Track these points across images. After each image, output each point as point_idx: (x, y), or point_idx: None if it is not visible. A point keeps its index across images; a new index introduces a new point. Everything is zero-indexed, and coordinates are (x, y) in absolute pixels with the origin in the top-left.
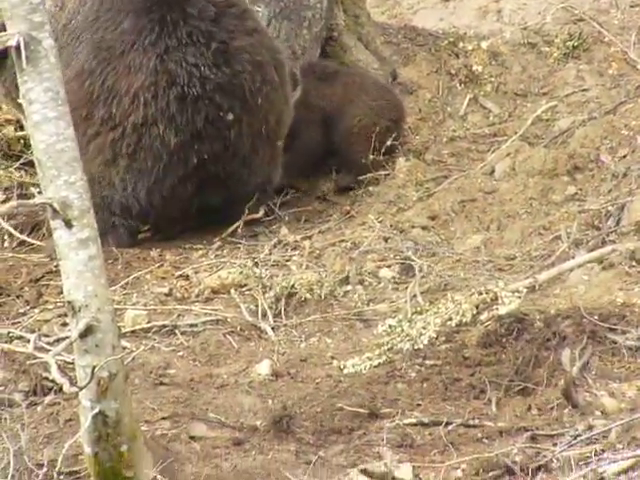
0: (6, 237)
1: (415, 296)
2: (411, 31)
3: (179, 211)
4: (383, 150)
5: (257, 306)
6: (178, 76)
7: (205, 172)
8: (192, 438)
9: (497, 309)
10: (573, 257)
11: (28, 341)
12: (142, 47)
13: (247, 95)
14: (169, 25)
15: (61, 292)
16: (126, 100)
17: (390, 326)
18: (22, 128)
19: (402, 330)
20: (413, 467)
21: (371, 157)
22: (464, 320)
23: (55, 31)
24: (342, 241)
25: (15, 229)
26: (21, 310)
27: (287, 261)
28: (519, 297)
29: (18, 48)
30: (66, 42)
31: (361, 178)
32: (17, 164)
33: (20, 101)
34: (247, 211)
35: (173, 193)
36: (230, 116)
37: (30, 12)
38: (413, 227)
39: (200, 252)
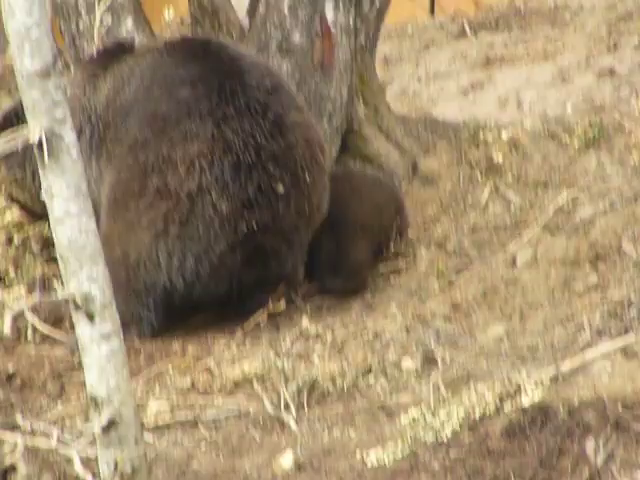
0: (29, 331)
1: (438, 387)
2: (431, 122)
3: (224, 284)
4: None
5: (279, 398)
6: (234, 143)
7: (253, 242)
8: None
9: (520, 399)
10: (596, 346)
11: (51, 435)
12: (199, 115)
13: (298, 169)
14: (227, 94)
15: (84, 386)
16: (182, 169)
17: (413, 418)
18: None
19: (425, 421)
20: None
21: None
22: (487, 411)
23: (93, 115)
24: (364, 332)
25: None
26: (44, 404)
27: (309, 352)
28: (542, 387)
29: (40, 143)
30: (112, 120)
31: (382, 268)
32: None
33: (43, 195)
34: (270, 303)
35: (221, 262)
36: (281, 188)
37: (52, 107)
38: (435, 317)
39: (222, 344)
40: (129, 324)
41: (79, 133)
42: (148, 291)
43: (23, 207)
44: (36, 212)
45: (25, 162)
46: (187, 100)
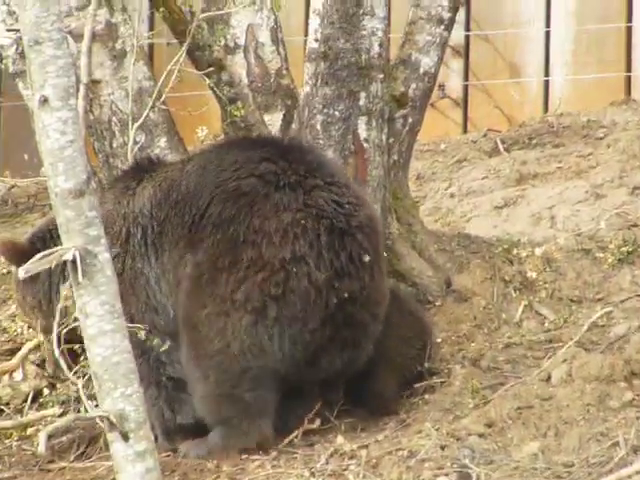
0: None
1: None
2: (465, 238)
3: (313, 369)
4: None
5: None
6: (326, 210)
7: (342, 314)
8: None
9: None
10: (631, 464)
11: None
12: (288, 186)
13: (379, 242)
14: (312, 166)
15: None
16: (276, 238)
17: None
18: None
19: None
20: None
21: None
22: None
23: (140, 217)
24: (399, 449)
25: (72, 442)
26: None
27: (344, 470)
28: None
29: (74, 262)
30: (168, 214)
31: (416, 386)
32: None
33: (77, 314)
34: (305, 420)
35: (312, 340)
36: (367, 258)
37: (86, 226)
38: (470, 435)
39: (257, 463)
40: (259, 415)
41: (126, 237)
42: (264, 368)
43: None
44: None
45: (50, 289)
46: (271, 174)
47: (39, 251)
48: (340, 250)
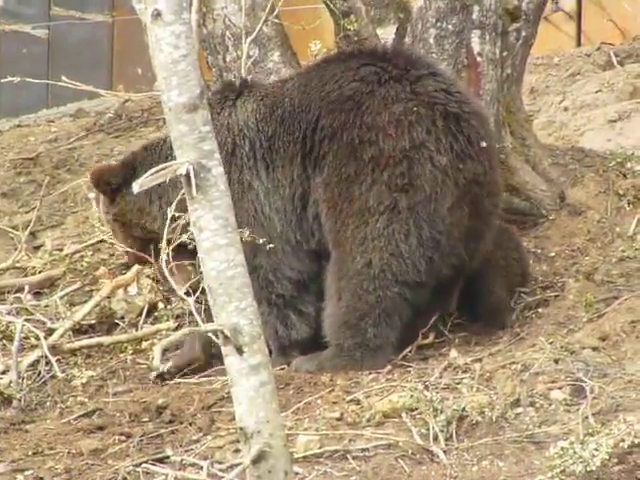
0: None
1: (587, 418)
2: (578, 152)
3: (458, 253)
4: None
5: (428, 430)
6: (437, 97)
7: (470, 197)
8: None
9: None
10: None
11: (201, 468)
12: (392, 79)
13: (491, 132)
14: (415, 62)
15: (233, 419)
16: (391, 129)
17: (562, 448)
18: None
19: (574, 452)
20: None
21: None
22: (637, 441)
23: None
24: (512, 363)
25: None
26: (194, 437)
27: (457, 384)
28: None
29: (188, 176)
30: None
31: (530, 299)
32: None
33: (191, 228)
34: (420, 335)
35: (452, 218)
36: (484, 144)
37: (199, 141)
38: (583, 348)
39: (371, 376)
40: (376, 350)
41: (232, 149)
42: (397, 298)
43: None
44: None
45: (151, 191)
46: (372, 74)
47: (133, 171)
48: (458, 134)
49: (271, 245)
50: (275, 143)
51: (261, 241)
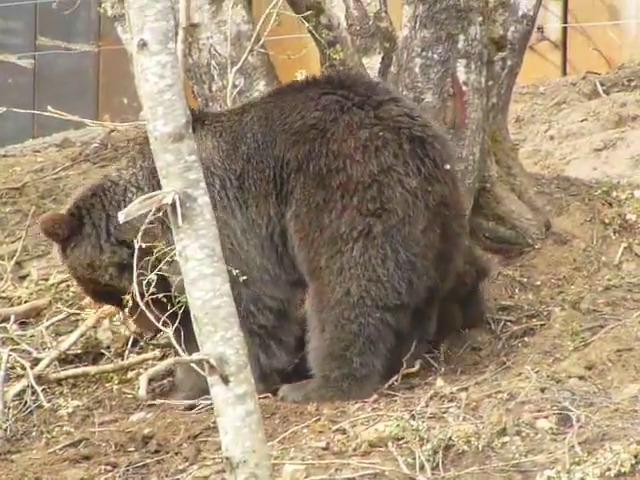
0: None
1: (573, 447)
2: (564, 181)
3: (430, 276)
4: None
5: (415, 459)
6: (401, 121)
7: (440, 219)
8: None
9: None
10: None
11: None
12: (355, 106)
13: (452, 155)
14: (373, 88)
15: (219, 448)
16: (358, 155)
17: (549, 477)
18: None
19: None
20: None
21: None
22: (623, 470)
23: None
24: (498, 392)
25: (173, 385)
26: (180, 467)
27: (444, 413)
28: None
29: (174, 206)
30: (244, 167)
31: (516, 328)
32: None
33: (177, 258)
34: (404, 364)
35: (426, 240)
36: (447, 166)
37: (185, 170)
38: (570, 377)
39: (357, 405)
40: (363, 379)
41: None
42: (379, 324)
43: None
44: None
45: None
46: (333, 102)
47: (80, 221)
48: (424, 157)
49: (244, 277)
50: (245, 182)
51: (235, 272)
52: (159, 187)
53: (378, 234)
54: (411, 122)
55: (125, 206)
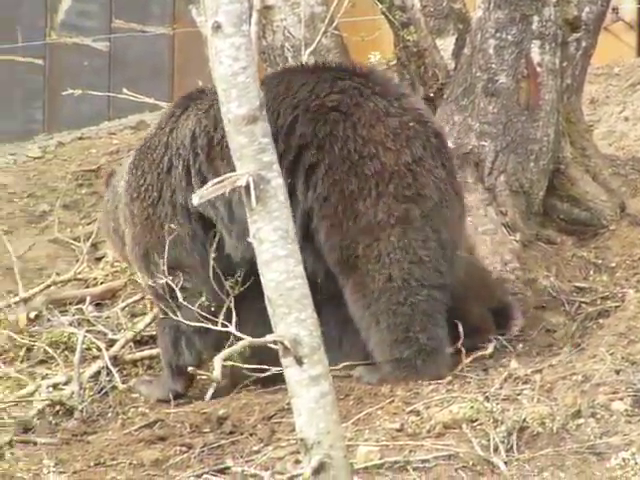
0: None
1: None
2: (639, 162)
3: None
4: None
5: (489, 441)
6: (425, 115)
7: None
8: None
9: None
10: None
11: (262, 479)
12: (377, 95)
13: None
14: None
15: (294, 429)
16: (389, 143)
17: (624, 459)
18: None
19: (636, 463)
20: None
21: None
22: None
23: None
24: (573, 374)
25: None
26: (255, 448)
27: (518, 395)
28: None
29: (247, 188)
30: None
31: (590, 310)
32: None
33: (249, 239)
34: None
35: (461, 224)
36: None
37: (259, 152)
38: None
39: (431, 387)
40: (434, 353)
41: (168, 169)
42: (429, 300)
43: None
44: None
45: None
46: (351, 88)
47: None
48: (445, 153)
49: None
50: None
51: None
52: None
53: (416, 217)
54: (430, 116)
55: None
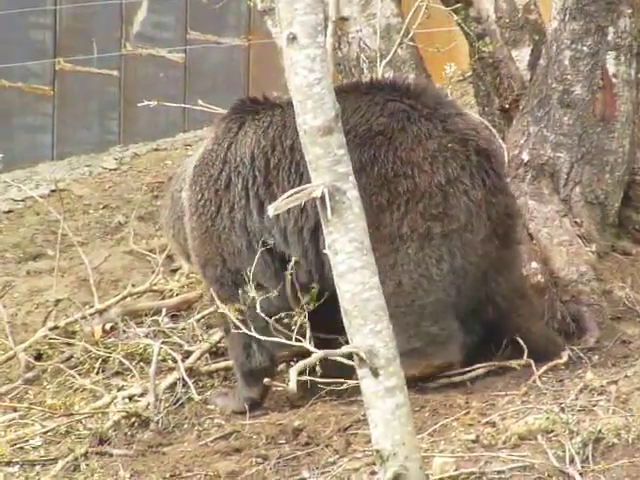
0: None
1: None
2: None
3: (483, 275)
4: None
5: (564, 452)
6: (468, 134)
7: (502, 228)
8: None
9: None
10: None
11: None
12: (423, 118)
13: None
14: (440, 100)
15: (369, 441)
16: (426, 165)
17: None
18: None
19: None
20: None
21: None
22: None
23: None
24: None
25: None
26: (330, 459)
27: (593, 406)
28: None
29: (323, 199)
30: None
31: None
32: None
33: (326, 251)
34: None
35: (483, 250)
36: (508, 178)
37: (334, 163)
38: None
39: (506, 399)
40: (446, 342)
41: (227, 185)
42: (438, 299)
43: None
44: None
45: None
46: (400, 111)
47: None
48: (489, 169)
49: None
50: (279, 174)
51: None
52: None
53: (437, 235)
54: (477, 135)
55: None
